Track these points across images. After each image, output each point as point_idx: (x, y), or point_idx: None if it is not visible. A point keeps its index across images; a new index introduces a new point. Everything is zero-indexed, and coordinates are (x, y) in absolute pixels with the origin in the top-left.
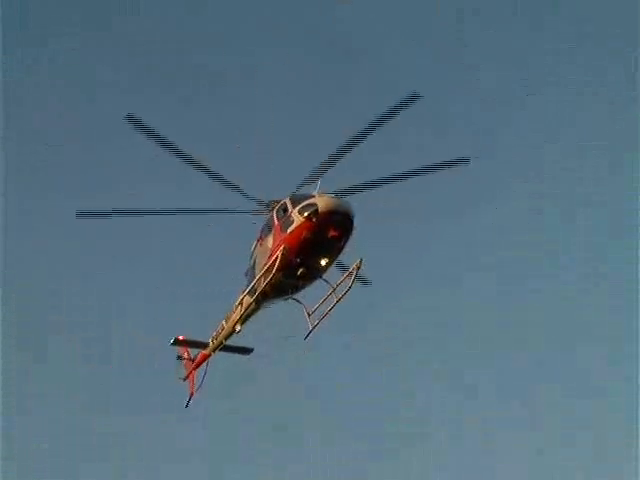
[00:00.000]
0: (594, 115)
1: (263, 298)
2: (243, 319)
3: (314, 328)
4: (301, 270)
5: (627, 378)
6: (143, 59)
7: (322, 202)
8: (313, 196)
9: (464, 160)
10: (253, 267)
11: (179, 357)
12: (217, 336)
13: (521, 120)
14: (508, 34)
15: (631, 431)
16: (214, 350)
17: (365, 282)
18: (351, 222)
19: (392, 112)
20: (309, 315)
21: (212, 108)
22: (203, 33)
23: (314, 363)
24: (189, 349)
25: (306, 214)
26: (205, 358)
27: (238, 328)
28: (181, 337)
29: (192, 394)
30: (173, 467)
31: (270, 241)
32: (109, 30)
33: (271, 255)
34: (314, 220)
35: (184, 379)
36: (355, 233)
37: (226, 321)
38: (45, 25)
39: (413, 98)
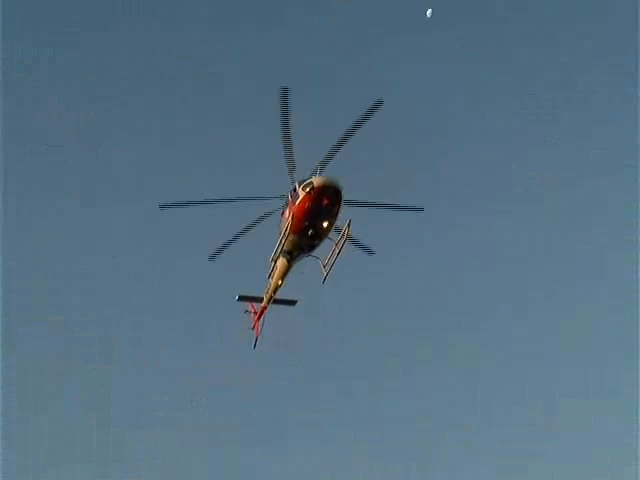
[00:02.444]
0: (594, 115)
1: (290, 256)
2: (282, 275)
3: (327, 275)
4: (310, 231)
5: (627, 378)
6: (143, 59)
7: (317, 180)
8: (312, 178)
9: (418, 209)
10: (279, 244)
11: (246, 311)
12: (267, 291)
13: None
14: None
15: (631, 431)
16: (268, 302)
17: (370, 252)
18: (339, 193)
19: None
20: (324, 267)
21: (212, 108)
22: (203, 33)
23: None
24: (254, 305)
25: (307, 189)
26: (263, 310)
27: (280, 282)
28: (243, 295)
29: (257, 338)
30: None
31: (287, 213)
32: (109, 30)
33: (286, 222)
34: (311, 193)
35: (252, 328)
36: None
37: (271, 279)
38: (45, 25)
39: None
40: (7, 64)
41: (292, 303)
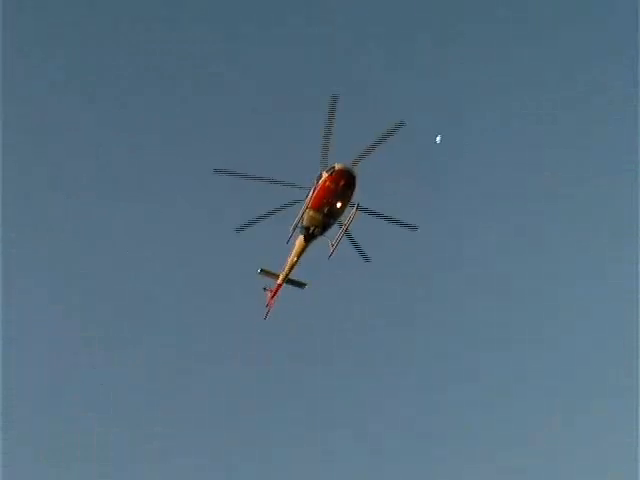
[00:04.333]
0: (594, 115)
1: (307, 233)
2: (298, 254)
3: (333, 251)
4: (327, 209)
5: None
6: (143, 58)
7: (338, 165)
8: (334, 163)
9: (413, 227)
10: (299, 218)
11: (264, 289)
12: (286, 268)
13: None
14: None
15: (631, 431)
16: (283, 280)
17: (366, 259)
18: (354, 178)
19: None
20: (331, 245)
21: (212, 108)
22: (202, 33)
23: None
24: (270, 283)
25: (330, 172)
26: (278, 288)
27: (296, 259)
28: (265, 269)
29: (269, 311)
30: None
31: (310, 193)
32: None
33: (309, 199)
34: (332, 174)
35: (267, 305)
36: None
37: (292, 257)
38: (45, 25)
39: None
40: (7, 64)
41: (302, 285)
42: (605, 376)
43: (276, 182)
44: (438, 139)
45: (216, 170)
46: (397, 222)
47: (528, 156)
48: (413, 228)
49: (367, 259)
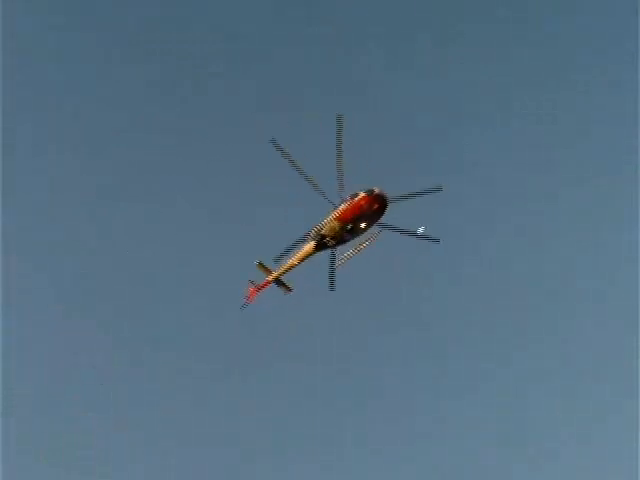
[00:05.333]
0: (594, 115)
1: (320, 241)
2: (302, 258)
3: (341, 264)
4: (350, 226)
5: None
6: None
7: (377, 189)
8: (374, 187)
9: (438, 189)
10: (318, 226)
11: (251, 281)
12: (283, 268)
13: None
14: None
15: (631, 431)
16: (275, 278)
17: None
18: (386, 206)
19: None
20: (343, 257)
21: (211, 108)
22: (203, 32)
23: None
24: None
25: (367, 192)
26: (266, 284)
27: (296, 263)
28: (262, 262)
29: (248, 304)
30: None
31: (341, 207)
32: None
33: (337, 211)
34: (369, 196)
35: (247, 297)
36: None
37: (293, 259)
38: (45, 24)
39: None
40: (7, 63)
41: (288, 290)
42: (605, 376)
43: (310, 182)
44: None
45: (272, 141)
46: (421, 236)
47: (528, 156)
48: (436, 241)
49: (332, 288)
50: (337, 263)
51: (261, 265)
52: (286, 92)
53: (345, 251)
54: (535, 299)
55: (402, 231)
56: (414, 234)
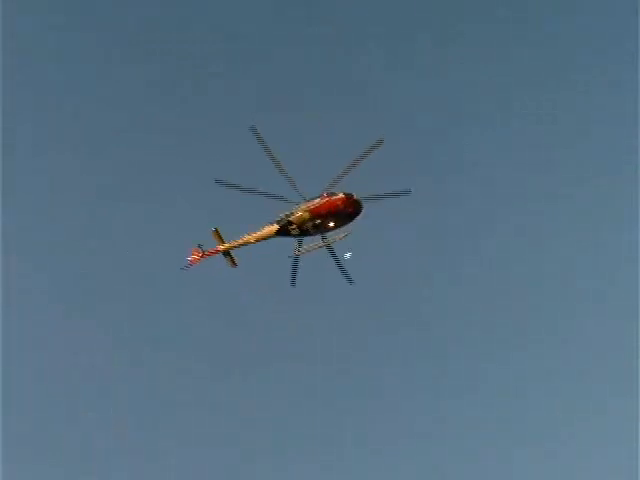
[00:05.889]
0: (594, 115)
1: (286, 227)
2: (259, 238)
3: (299, 254)
4: (319, 221)
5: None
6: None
7: (355, 195)
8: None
9: (406, 192)
10: (289, 212)
11: (199, 245)
12: (236, 242)
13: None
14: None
15: (631, 431)
16: (225, 250)
17: (350, 281)
18: (359, 213)
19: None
20: (302, 249)
21: (212, 108)
22: (202, 32)
23: None
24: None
25: (346, 194)
26: (215, 253)
27: (252, 242)
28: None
29: (188, 267)
30: None
31: (317, 200)
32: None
33: (315, 201)
34: (348, 198)
35: (189, 262)
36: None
37: (250, 235)
38: (44, 24)
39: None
40: (7, 63)
41: (233, 264)
42: (605, 376)
43: (270, 196)
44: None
45: (217, 181)
46: (389, 195)
47: (528, 156)
48: (406, 192)
49: (351, 281)
50: (298, 251)
51: (217, 233)
52: (286, 92)
53: (306, 244)
54: (535, 299)
55: (324, 246)
56: (336, 258)
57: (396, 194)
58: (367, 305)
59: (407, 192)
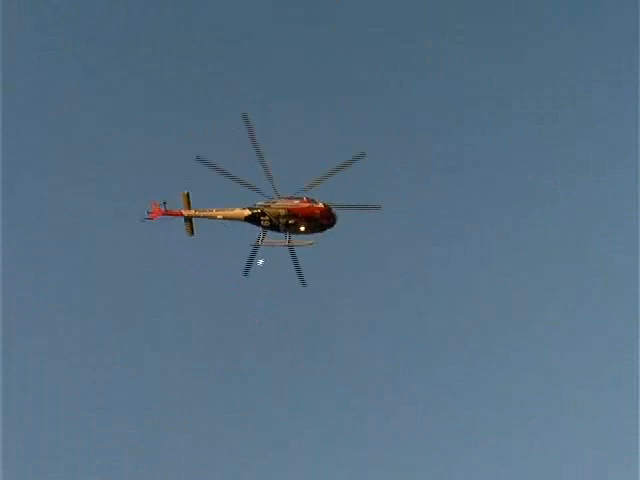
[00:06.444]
0: (594, 115)
1: (256, 216)
2: (227, 217)
3: (258, 245)
4: (291, 221)
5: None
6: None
7: (333, 209)
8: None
9: (377, 207)
10: (266, 202)
11: (164, 202)
12: (202, 211)
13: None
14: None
15: (631, 431)
16: (188, 216)
17: (304, 283)
18: (331, 225)
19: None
20: (263, 241)
21: (211, 108)
22: (203, 32)
23: None
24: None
25: (327, 205)
26: (176, 214)
27: (219, 218)
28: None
29: (148, 219)
30: None
31: (296, 201)
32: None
33: (291, 201)
34: (327, 210)
35: (149, 215)
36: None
37: (218, 211)
38: (44, 24)
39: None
40: (7, 63)
41: (191, 233)
42: (605, 376)
43: (247, 185)
44: (260, 262)
45: (198, 158)
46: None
47: (528, 156)
48: (377, 207)
49: (304, 284)
50: (261, 242)
51: (187, 197)
52: (286, 92)
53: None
54: (535, 299)
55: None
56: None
57: (365, 207)
58: (367, 305)
59: (377, 207)
